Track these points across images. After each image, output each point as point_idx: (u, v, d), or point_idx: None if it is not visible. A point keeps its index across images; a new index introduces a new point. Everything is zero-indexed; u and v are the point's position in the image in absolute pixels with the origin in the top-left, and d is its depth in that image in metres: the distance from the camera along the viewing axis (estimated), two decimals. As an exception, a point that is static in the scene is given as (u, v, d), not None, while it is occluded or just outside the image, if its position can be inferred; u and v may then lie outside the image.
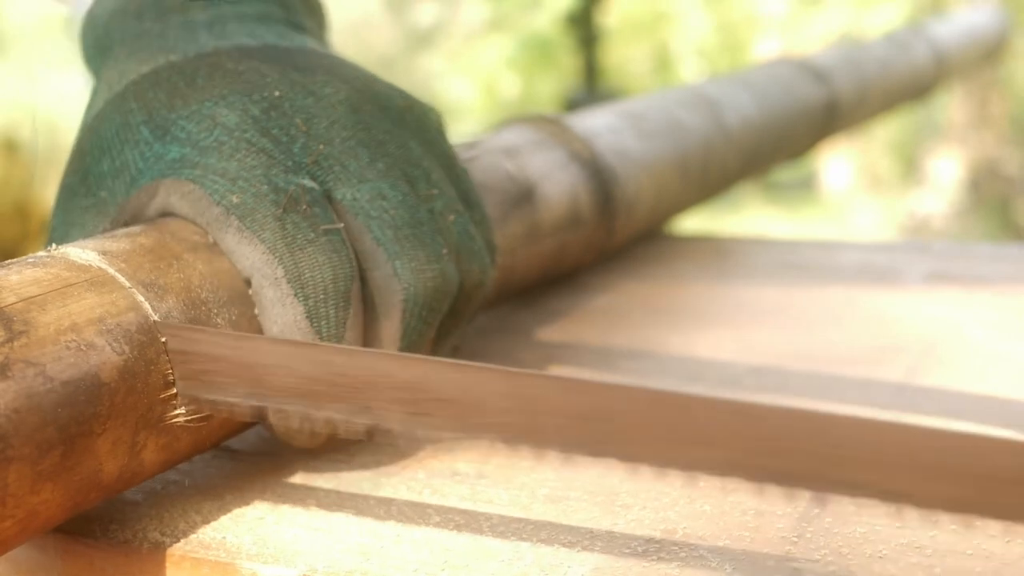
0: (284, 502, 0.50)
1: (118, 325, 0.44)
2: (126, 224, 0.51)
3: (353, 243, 0.50)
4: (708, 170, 0.92)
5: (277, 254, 0.48)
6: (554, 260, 0.74)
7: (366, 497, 0.50)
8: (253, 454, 0.55)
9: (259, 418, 0.48)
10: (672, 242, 0.94)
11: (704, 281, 0.83)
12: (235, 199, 0.49)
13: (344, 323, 0.49)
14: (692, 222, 1.09)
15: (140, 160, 0.51)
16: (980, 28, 1.97)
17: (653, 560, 0.44)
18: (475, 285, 0.54)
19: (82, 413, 0.41)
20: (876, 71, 1.39)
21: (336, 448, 0.53)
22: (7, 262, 0.45)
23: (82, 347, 0.42)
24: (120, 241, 0.48)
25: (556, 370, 0.65)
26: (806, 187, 4.03)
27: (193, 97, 0.51)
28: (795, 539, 0.45)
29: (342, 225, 0.50)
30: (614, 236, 0.81)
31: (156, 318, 0.45)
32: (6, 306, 0.41)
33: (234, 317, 0.48)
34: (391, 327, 0.50)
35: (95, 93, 0.56)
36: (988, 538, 0.44)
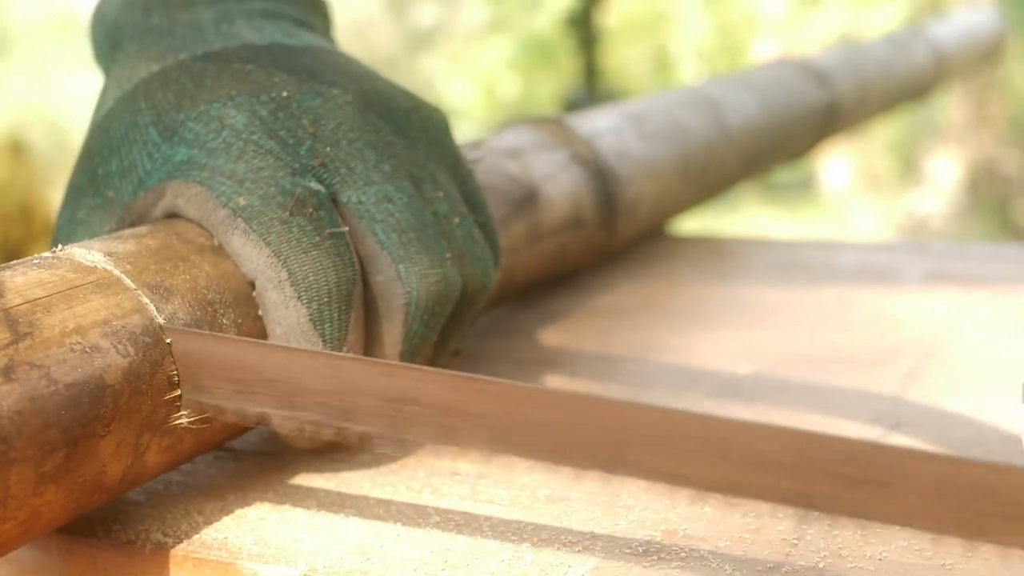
0: (285, 502, 0.50)
1: (123, 327, 0.44)
2: (132, 225, 0.52)
3: (357, 246, 0.50)
4: (709, 171, 0.92)
5: (282, 257, 0.48)
6: (555, 261, 0.75)
7: (366, 497, 0.50)
8: (255, 454, 0.55)
9: (262, 423, 0.48)
10: (672, 243, 0.94)
11: (704, 281, 0.83)
12: (242, 201, 0.49)
13: (347, 326, 0.49)
14: (692, 222, 1.09)
15: (148, 161, 0.51)
16: (979, 29, 1.97)
17: (653, 561, 0.44)
18: (478, 289, 0.54)
19: (86, 415, 0.41)
20: (876, 72, 1.39)
21: (337, 448, 0.53)
22: (12, 263, 0.45)
23: (87, 349, 0.42)
24: (126, 242, 0.48)
25: (556, 371, 0.65)
26: (805, 187, 4.03)
27: (201, 98, 0.52)
28: (795, 541, 0.45)
29: (347, 229, 0.50)
30: (615, 237, 0.81)
31: (161, 320, 0.45)
32: (11, 308, 0.41)
33: (240, 319, 0.48)
34: (393, 331, 0.51)
35: (104, 91, 0.56)
36: (987, 548, 0.44)
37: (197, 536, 0.47)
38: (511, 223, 0.68)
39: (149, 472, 0.46)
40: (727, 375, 0.63)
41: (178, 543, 0.46)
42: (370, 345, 0.51)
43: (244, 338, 0.46)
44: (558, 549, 0.45)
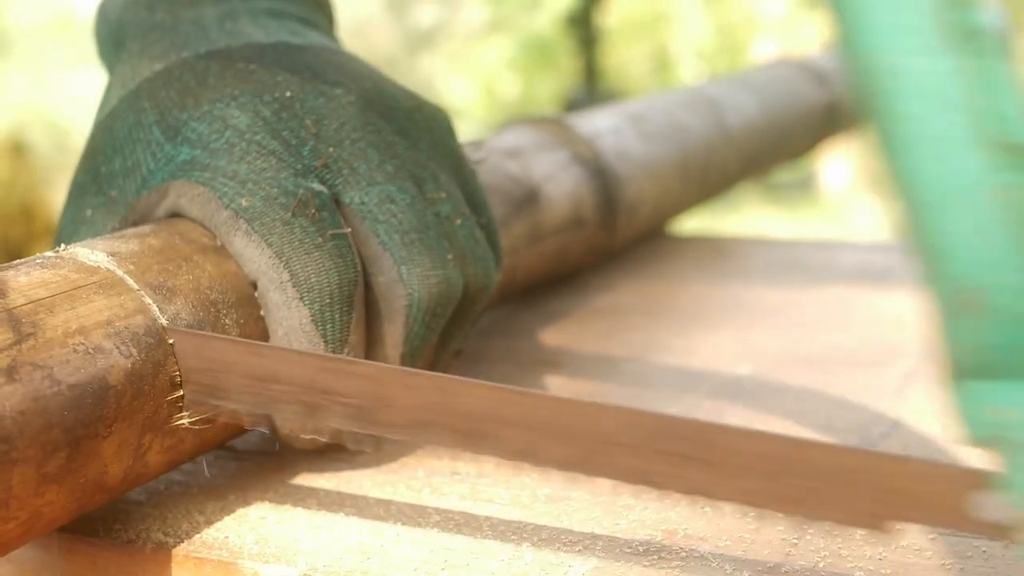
0: (286, 502, 0.50)
1: (126, 328, 0.44)
2: (135, 224, 0.52)
3: (359, 247, 0.50)
4: (709, 171, 0.92)
5: (284, 258, 0.48)
6: (556, 261, 0.75)
7: (366, 497, 0.50)
8: (255, 454, 0.55)
9: (264, 424, 0.48)
10: (672, 242, 0.94)
11: (704, 281, 0.83)
12: (244, 202, 0.49)
13: (348, 327, 0.49)
14: (692, 222, 1.09)
15: (151, 161, 0.51)
16: (979, 29, 1.97)
17: (654, 561, 0.44)
18: (479, 289, 0.54)
19: (88, 416, 0.41)
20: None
21: (337, 448, 0.54)
22: (16, 263, 0.45)
23: (90, 350, 0.42)
24: (129, 242, 0.48)
25: (556, 371, 0.65)
26: (805, 187, 4.03)
27: (205, 97, 0.52)
28: (795, 541, 0.45)
29: (349, 230, 0.50)
30: (616, 237, 0.81)
31: (164, 321, 0.45)
32: (14, 308, 0.41)
33: (242, 319, 0.48)
34: (394, 331, 0.51)
35: (108, 90, 0.56)
36: (987, 541, 0.44)
37: (198, 535, 0.47)
38: (512, 223, 0.68)
39: (151, 472, 0.46)
40: (727, 375, 0.63)
41: (179, 542, 0.46)
42: (371, 346, 0.51)
43: (248, 340, 0.46)
44: (558, 549, 0.45)
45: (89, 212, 0.53)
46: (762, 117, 1.02)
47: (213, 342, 0.45)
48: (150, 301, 0.45)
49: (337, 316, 0.49)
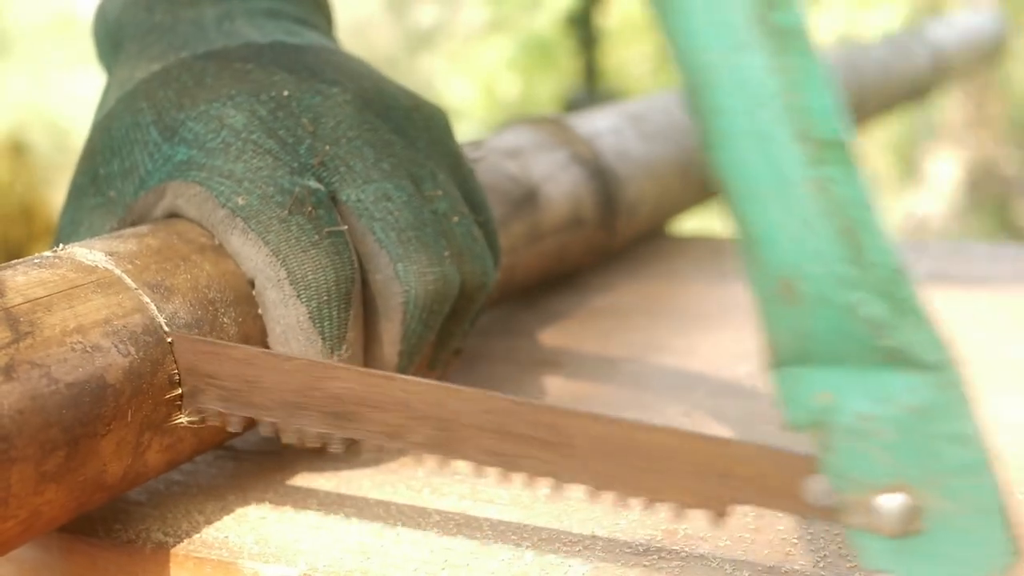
0: (286, 502, 0.50)
1: (124, 327, 0.44)
2: (134, 224, 0.52)
3: (356, 244, 0.50)
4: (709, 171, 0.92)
5: (280, 256, 0.48)
6: (556, 260, 0.75)
7: (366, 497, 0.50)
8: (255, 454, 0.55)
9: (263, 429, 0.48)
10: (673, 242, 0.94)
11: (704, 281, 0.83)
12: (240, 201, 0.49)
13: (346, 324, 0.49)
14: (692, 222, 1.09)
15: (149, 161, 0.51)
16: (978, 30, 1.97)
17: (654, 561, 0.44)
18: (476, 287, 0.54)
19: (87, 414, 0.41)
20: (875, 72, 1.39)
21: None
22: (13, 262, 0.45)
23: (88, 349, 0.42)
24: (127, 242, 0.48)
25: (556, 371, 0.65)
26: (805, 188, 4.01)
27: (201, 97, 0.52)
28: (795, 540, 0.45)
29: (345, 227, 0.50)
30: (616, 237, 0.81)
31: (162, 319, 0.45)
32: (12, 307, 0.41)
33: (240, 318, 0.48)
34: (392, 329, 0.51)
35: (107, 91, 0.56)
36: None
37: (198, 535, 0.47)
38: (511, 223, 0.68)
39: (150, 471, 0.46)
40: (727, 375, 0.63)
41: (179, 542, 0.46)
42: (369, 344, 0.51)
43: (247, 347, 0.47)
44: (558, 549, 0.45)
45: (87, 213, 0.53)
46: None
47: (214, 348, 0.46)
48: (148, 300, 0.45)
49: (335, 313, 0.49)
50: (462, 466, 0.52)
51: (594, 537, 0.46)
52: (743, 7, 0.34)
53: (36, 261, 0.45)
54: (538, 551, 0.45)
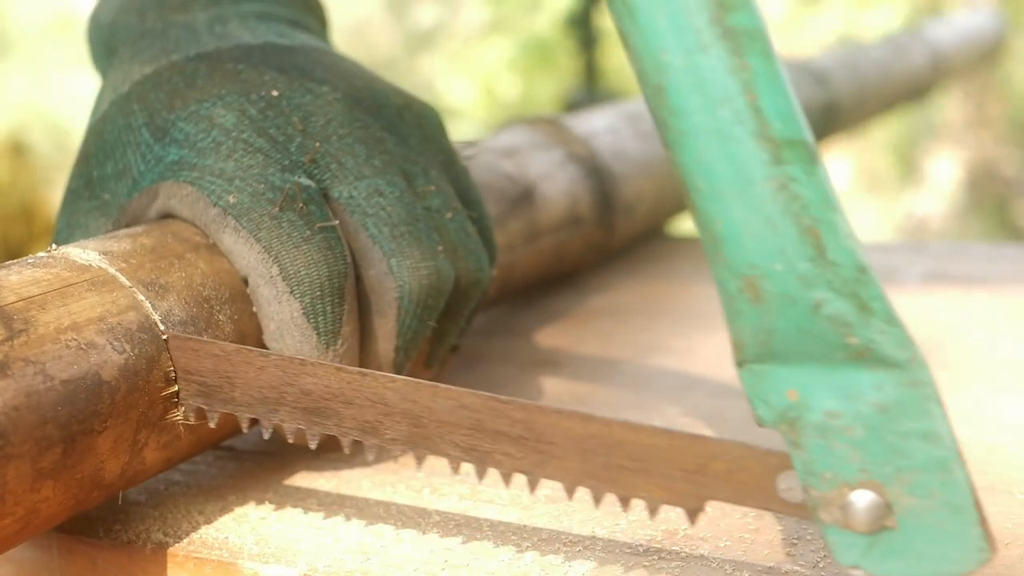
0: (286, 502, 0.50)
1: (119, 324, 0.44)
2: (128, 226, 0.52)
3: (349, 241, 0.50)
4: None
5: (272, 252, 0.49)
6: (555, 259, 0.75)
7: (366, 497, 0.50)
8: (255, 454, 0.55)
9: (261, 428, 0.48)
10: (672, 242, 0.94)
11: (704, 282, 0.83)
12: (232, 199, 0.49)
13: (340, 318, 0.49)
14: (692, 222, 1.09)
15: (141, 162, 0.51)
16: (978, 30, 1.97)
17: (654, 561, 0.44)
18: (472, 283, 0.54)
19: (82, 411, 0.41)
20: (874, 73, 1.39)
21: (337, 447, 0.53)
22: (7, 263, 0.45)
23: (82, 346, 0.42)
24: (121, 241, 0.48)
25: (556, 372, 0.65)
26: (805, 188, 4.01)
27: (192, 97, 0.52)
28: (795, 541, 0.45)
29: (337, 222, 0.50)
30: (614, 235, 0.81)
31: (157, 317, 0.45)
32: (6, 305, 0.41)
33: (236, 315, 0.49)
34: (386, 325, 0.51)
35: (100, 95, 0.56)
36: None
37: (198, 536, 0.47)
38: (508, 221, 0.68)
39: (148, 469, 0.46)
40: (727, 375, 0.63)
41: (178, 543, 0.46)
42: (365, 340, 0.51)
43: (243, 346, 0.47)
44: (558, 549, 0.45)
45: (83, 217, 0.53)
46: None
47: (211, 348, 0.46)
48: (143, 298, 0.45)
49: (328, 308, 0.49)
50: (462, 466, 0.53)
51: (594, 537, 0.46)
52: (700, 9, 0.35)
53: (30, 261, 0.45)
54: (538, 551, 0.45)
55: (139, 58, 0.55)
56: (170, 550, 0.46)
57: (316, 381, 0.44)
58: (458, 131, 0.59)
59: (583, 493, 0.49)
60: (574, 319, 0.74)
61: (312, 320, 0.48)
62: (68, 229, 0.53)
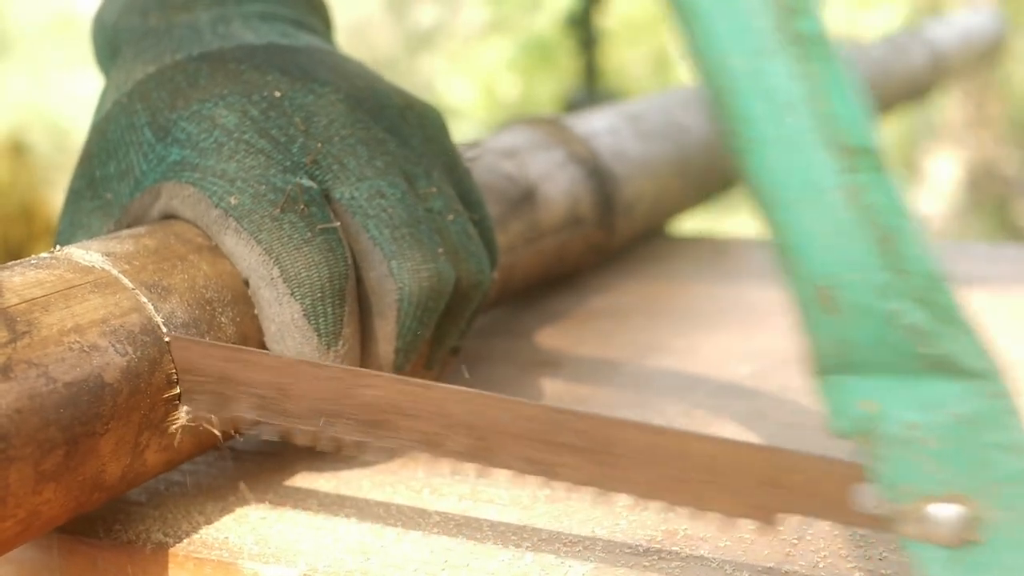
0: (286, 502, 0.50)
1: (121, 326, 0.44)
2: (130, 226, 0.52)
3: (350, 242, 0.50)
4: (708, 170, 0.92)
5: (273, 254, 0.49)
6: (555, 259, 0.75)
7: (366, 497, 0.50)
8: (255, 454, 0.55)
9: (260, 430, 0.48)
10: (672, 243, 0.94)
11: (705, 282, 0.83)
12: (233, 200, 0.49)
13: (341, 320, 0.49)
14: (692, 222, 1.09)
15: (143, 162, 0.51)
16: (978, 30, 1.97)
17: (654, 561, 0.44)
18: (472, 285, 0.54)
19: (85, 413, 0.41)
20: (873, 72, 1.39)
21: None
22: (11, 264, 0.45)
23: (85, 348, 0.42)
24: (124, 242, 0.48)
25: (556, 372, 0.65)
26: (805, 188, 4.01)
27: (194, 97, 0.52)
28: (795, 541, 0.45)
29: (338, 224, 0.50)
30: (614, 236, 0.81)
31: (160, 319, 0.45)
32: (9, 307, 0.41)
33: (239, 317, 0.49)
34: (387, 326, 0.51)
35: (103, 95, 0.56)
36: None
37: (197, 536, 0.47)
38: (509, 222, 0.68)
39: (149, 471, 0.46)
40: (727, 376, 0.63)
41: (179, 543, 0.46)
42: (365, 342, 0.51)
43: (246, 348, 0.47)
44: (558, 549, 0.45)
45: (86, 216, 0.53)
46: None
47: (212, 351, 0.45)
48: (145, 300, 0.45)
49: (329, 310, 0.49)
50: (463, 466, 0.53)
51: (594, 537, 0.46)
52: (765, 14, 0.34)
53: (33, 262, 0.45)
54: (538, 551, 0.45)
55: (142, 58, 0.55)
56: (170, 550, 0.46)
57: (378, 393, 0.44)
58: (458, 131, 0.59)
59: (577, 494, 0.49)
60: (574, 320, 0.74)
61: (313, 322, 0.49)
62: (71, 229, 0.53)
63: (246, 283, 0.49)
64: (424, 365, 0.55)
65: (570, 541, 0.46)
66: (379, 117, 0.53)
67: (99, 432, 0.42)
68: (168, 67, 0.53)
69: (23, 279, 0.43)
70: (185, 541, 0.47)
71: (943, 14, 2.51)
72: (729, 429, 0.56)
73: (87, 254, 0.46)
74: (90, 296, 0.44)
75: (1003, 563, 0.36)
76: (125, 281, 0.46)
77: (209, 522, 0.48)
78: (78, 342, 0.42)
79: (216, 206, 0.49)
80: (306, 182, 0.50)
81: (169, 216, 0.51)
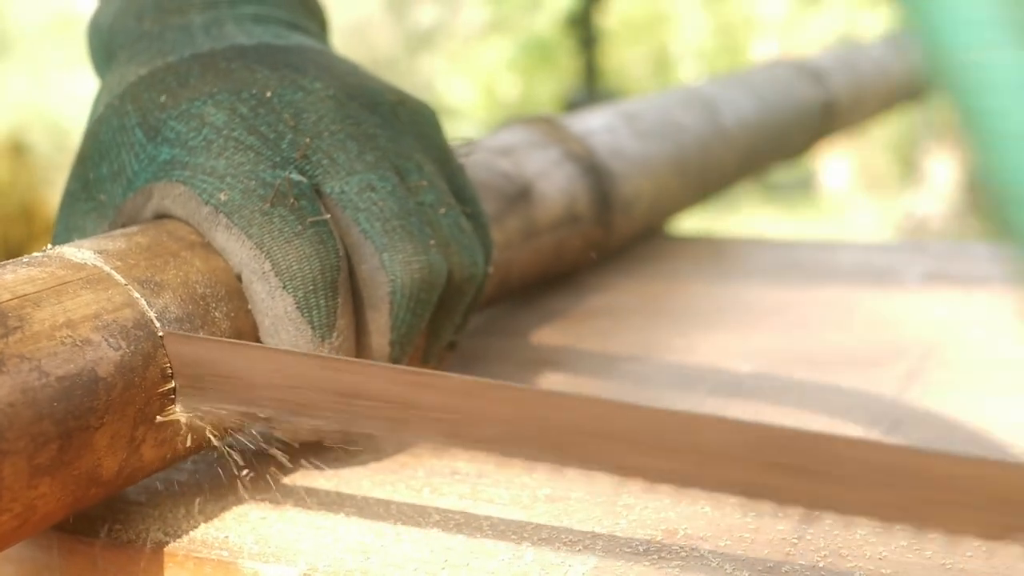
0: (286, 502, 0.50)
1: (114, 321, 0.44)
2: (124, 227, 0.52)
3: (342, 236, 0.51)
4: (706, 169, 0.92)
5: (264, 248, 0.49)
6: (553, 257, 0.75)
7: (366, 497, 0.50)
8: (255, 453, 0.55)
9: (258, 426, 0.48)
10: (671, 242, 0.94)
11: (703, 281, 0.83)
12: (223, 197, 0.49)
13: (335, 312, 0.49)
14: (691, 222, 1.09)
15: (135, 163, 0.52)
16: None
17: (654, 560, 0.44)
18: (466, 279, 0.54)
19: (79, 407, 0.41)
20: (873, 72, 1.39)
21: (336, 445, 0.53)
22: (3, 262, 0.45)
23: (78, 343, 0.42)
24: (116, 240, 0.48)
25: (556, 371, 0.65)
26: (804, 187, 4.03)
27: (184, 96, 0.52)
28: (795, 540, 0.45)
29: (328, 216, 0.50)
30: (612, 234, 0.81)
31: (153, 314, 0.45)
32: (1, 303, 0.41)
33: (232, 312, 0.49)
34: (380, 319, 0.51)
35: (97, 98, 0.56)
36: (973, 548, 0.44)
37: (197, 535, 0.47)
38: (505, 219, 0.68)
39: (146, 467, 0.46)
40: (727, 375, 0.63)
41: (179, 542, 0.46)
42: (359, 335, 0.51)
43: (241, 342, 0.47)
44: (558, 549, 0.45)
45: (81, 219, 0.53)
46: (758, 116, 1.02)
47: (207, 345, 0.45)
48: (138, 295, 0.45)
49: (322, 302, 0.49)
50: (462, 466, 0.53)
51: (594, 537, 0.46)
52: (999, 2, 0.32)
53: (25, 260, 0.45)
54: (538, 551, 0.45)
55: (135, 60, 0.55)
56: (170, 550, 0.46)
57: (572, 415, 0.41)
58: (458, 131, 0.59)
59: (583, 493, 0.49)
60: (572, 318, 0.74)
61: (306, 314, 0.49)
62: (66, 232, 0.54)
63: (239, 278, 0.50)
64: (420, 360, 0.55)
65: (570, 541, 0.46)
66: (370, 113, 0.54)
67: (94, 426, 0.42)
68: (159, 69, 0.53)
69: (15, 276, 0.43)
70: (185, 540, 0.46)
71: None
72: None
73: (79, 252, 0.46)
74: (82, 292, 0.44)
75: None
76: (117, 277, 0.46)
77: (209, 521, 0.48)
78: (70, 336, 0.42)
79: (206, 203, 0.49)
80: (296, 176, 0.50)
81: (162, 216, 0.51)
